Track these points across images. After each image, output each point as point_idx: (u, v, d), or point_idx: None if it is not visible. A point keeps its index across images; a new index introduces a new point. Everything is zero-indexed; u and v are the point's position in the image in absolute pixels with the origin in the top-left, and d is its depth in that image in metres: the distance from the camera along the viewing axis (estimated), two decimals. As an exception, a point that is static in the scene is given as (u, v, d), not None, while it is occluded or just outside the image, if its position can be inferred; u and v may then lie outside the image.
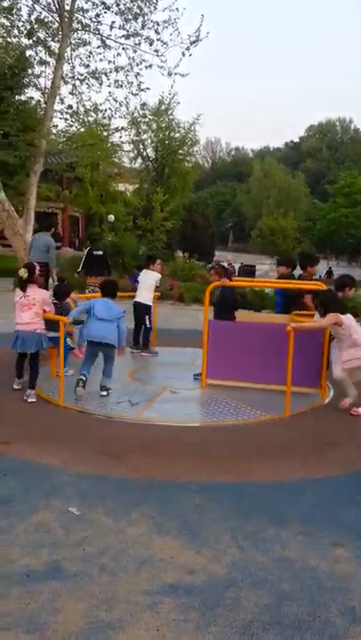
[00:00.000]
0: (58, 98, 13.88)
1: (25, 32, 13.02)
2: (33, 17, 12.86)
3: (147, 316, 7.79)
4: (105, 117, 14.85)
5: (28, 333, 5.45)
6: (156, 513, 3.21)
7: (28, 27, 12.95)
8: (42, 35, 13.23)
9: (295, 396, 5.60)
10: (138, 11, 13.21)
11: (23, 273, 5.57)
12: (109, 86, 14.02)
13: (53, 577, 2.54)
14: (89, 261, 11.90)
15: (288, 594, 2.48)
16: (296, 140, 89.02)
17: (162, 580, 2.56)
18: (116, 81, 13.95)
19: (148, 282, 7.91)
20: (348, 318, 5.42)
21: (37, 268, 5.74)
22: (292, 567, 2.71)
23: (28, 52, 13.96)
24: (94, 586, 2.49)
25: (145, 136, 28.61)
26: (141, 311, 7.79)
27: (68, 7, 13.19)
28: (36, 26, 12.90)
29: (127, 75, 13.93)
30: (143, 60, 13.82)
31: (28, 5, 12.71)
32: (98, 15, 13.49)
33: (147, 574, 2.60)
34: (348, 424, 5.13)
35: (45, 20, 13.18)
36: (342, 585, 2.57)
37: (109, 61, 14.17)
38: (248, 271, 31.28)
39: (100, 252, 12.14)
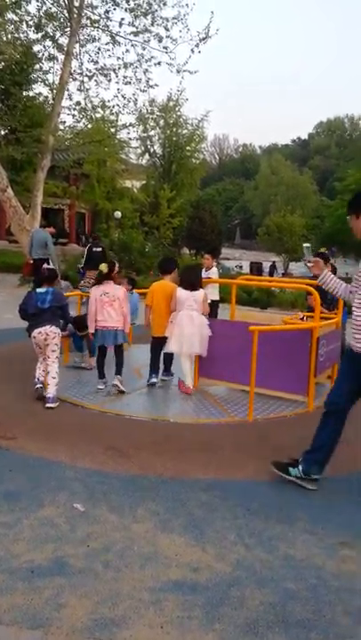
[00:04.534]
0: (66, 94, 13.90)
1: (33, 25, 13.01)
2: (42, 11, 12.86)
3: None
4: (112, 114, 14.87)
5: (110, 331, 5.64)
6: (162, 510, 3.20)
7: (37, 20, 12.94)
8: (50, 29, 13.23)
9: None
10: (147, 7, 13.19)
11: (104, 268, 5.71)
12: (118, 83, 14.03)
13: (58, 573, 2.54)
14: (90, 257, 12.36)
15: (293, 593, 2.47)
16: (304, 137, 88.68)
17: (166, 577, 2.55)
18: (124, 77, 13.96)
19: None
20: None
21: (116, 265, 5.94)
22: (298, 566, 2.69)
23: (37, 48, 14.00)
24: (99, 582, 2.49)
25: (152, 132, 28.64)
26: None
27: (77, 3, 13.18)
28: (44, 20, 12.90)
29: (136, 71, 13.93)
30: (152, 57, 13.81)
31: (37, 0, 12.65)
32: (107, 11, 13.49)
33: (151, 571, 2.59)
34: (353, 421, 5.09)
35: (54, 14, 13.18)
36: (348, 584, 2.55)
37: (118, 58, 14.18)
38: (256, 268, 31.28)
39: (100, 249, 12.66)
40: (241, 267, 34.82)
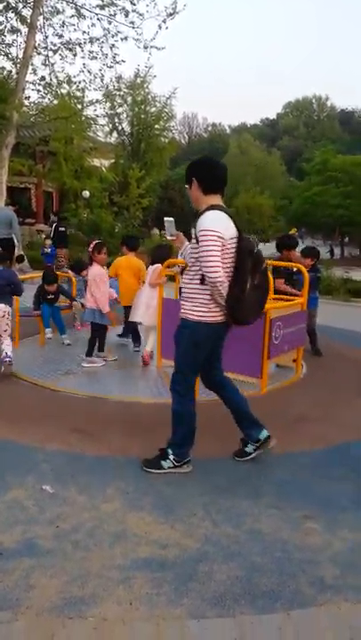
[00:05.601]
0: (30, 68, 13.50)
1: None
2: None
3: None
4: (79, 90, 14.54)
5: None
6: (131, 489, 3.23)
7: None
8: (12, 0, 12.77)
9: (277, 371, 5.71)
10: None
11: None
12: (83, 58, 13.70)
13: (27, 554, 2.54)
14: (57, 236, 13.04)
15: (259, 566, 2.54)
16: (273, 117, 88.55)
17: (135, 554, 2.59)
18: (90, 52, 13.63)
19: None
20: None
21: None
22: (264, 540, 2.76)
23: (-2, 19, 13.47)
24: (68, 562, 2.50)
25: (120, 110, 28.13)
26: None
27: (39, -28, 12.74)
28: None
29: (102, 46, 13.62)
30: (118, 32, 13.51)
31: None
32: (71, -18, 13.08)
33: (120, 549, 2.62)
34: (319, 400, 5.22)
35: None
36: (311, 556, 2.64)
37: (84, 32, 13.83)
38: None
39: (63, 229, 13.61)
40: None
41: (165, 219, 3.58)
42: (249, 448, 3.68)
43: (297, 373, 6.07)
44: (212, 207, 3.25)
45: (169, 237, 3.59)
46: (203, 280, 3.24)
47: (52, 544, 2.64)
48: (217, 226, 3.16)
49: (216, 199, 3.33)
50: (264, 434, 3.66)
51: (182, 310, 3.38)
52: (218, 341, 3.52)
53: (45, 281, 6.76)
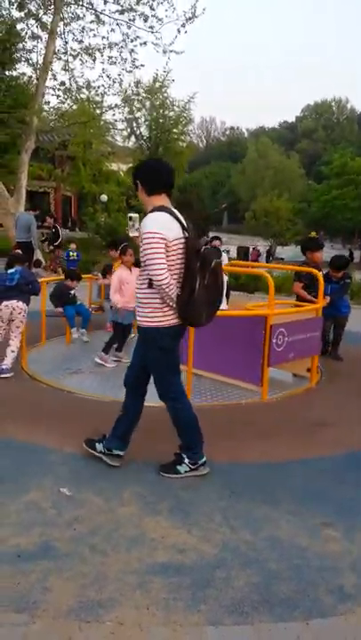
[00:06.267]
0: (50, 74, 13.63)
1: (16, 3, 12.71)
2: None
3: None
4: (98, 94, 14.64)
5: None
6: (148, 493, 3.22)
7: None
8: (33, 7, 12.94)
9: (288, 377, 5.62)
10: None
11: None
12: (103, 63, 13.79)
13: (44, 556, 2.55)
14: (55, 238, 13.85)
15: (277, 573, 2.51)
16: (292, 120, 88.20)
17: (152, 559, 2.57)
18: (109, 57, 13.72)
19: None
20: None
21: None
22: (282, 547, 2.73)
23: (20, 26, 13.65)
24: (85, 565, 2.50)
25: (138, 114, 28.18)
26: None
27: (60, -21, 12.88)
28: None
29: (121, 51, 13.69)
30: (138, 37, 13.56)
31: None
32: (91, -12, 13.19)
33: (137, 554, 2.61)
34: (337, 405, 5.16)
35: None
36: (331, 564, 2.60)
37: (103, 37, 13.89)
38: (244, 253, 31.35)
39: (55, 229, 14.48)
40: (228, 251, 34.85)
41: (130, 215, 3.57)
42: (99, 447, 3.62)
43: (312, 382, 5.85)
44: (156, 209, 3.21)
45: (132, 235, 3.53)
46: (151, 284, 3.20)
47: (69, 547, 2.64)
48: (159, 227, 3.12)
49: (161, 200, 3.29)
50: (120, 453, 3.57)
51: (138, 318, 3.34)
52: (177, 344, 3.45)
53: (69, 276, 7.11)
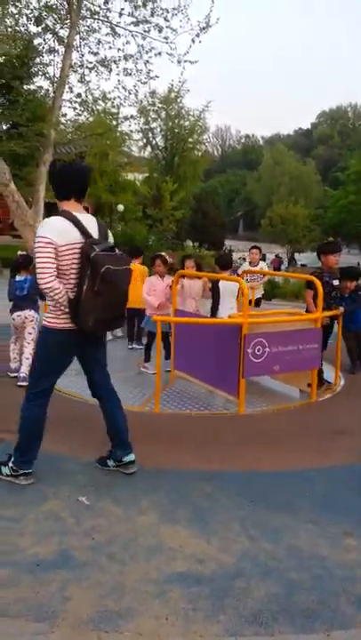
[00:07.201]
0: (67, 86, 13.80)
1: (33, 19, 12.93)
2: (42, 3, 12.76)
3: None
4: (114, 106, 14.78)
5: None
6: (166, 501, 3.21)
7: (37, 13, 12.85)
8: (50, 22, 13.15)
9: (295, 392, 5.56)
10: (147, -4, 13.06)
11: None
12: (118, 74, 13.91)
13: (63, 566, 2.55)
14: None
15: (298, 583, 2.48)
16: (307, 126, 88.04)
17: (171, 568, 2.56)
18: (125, 69, 13.84)
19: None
20: None
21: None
22: (302, 556, 2.70)
23: (37, 41, 13.87)
24: (103, 575, 2.50)
25: (154, 124, 28.50)
26: None
27: (76, -6, 13.07)
28: (44, 13, 12.80)
29: (136, 63, 13.81)
30: (152, 48, 13.68)
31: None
32: (107, 2, 13.35)
33: (156, 563, 2.60)
34: (357, 413, 5.10)
35: (54, 6, 13.08)
36: (352, 574, 2.56)
37: (118, 49, 14.02)
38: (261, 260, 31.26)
39: None
40: (245, 259, 34.82)
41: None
42: (111, 462, 3.60)
43: (311, 398, 5.45)
44: (56, 213, 3.21)
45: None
46: None
47: (88, 556, 2.64)
48: (47, 232, 3.11)
49: (69, 205, 3.29)
50: (129, 457, 3.54)
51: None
52: (74, 349, 3.39)
53: None
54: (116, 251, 3.28)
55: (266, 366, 5.15)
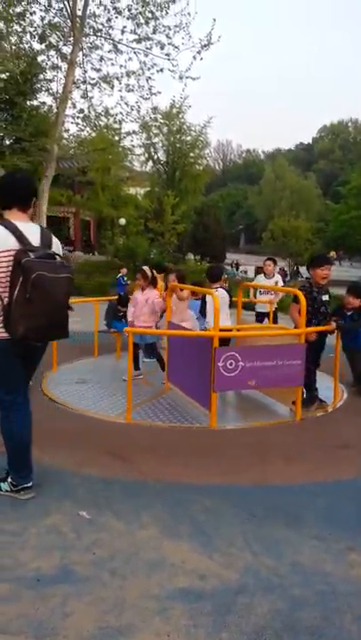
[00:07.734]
0: (69, 102, 13.98)
1: (37, 36, 13.14)
2: (45, 21, 12.97)
3: None
4: (116, 122, 14.95)
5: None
6: (167, 516, 3.19)
7: (40, 31, 13.06)
8: (54, 39, 13.35)
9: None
10: (149, 15, 13.28)
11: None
12: (120, 90, 14.11)
13: (64, 581, 2.52)
14: None
15: (301, 599, 2.44)
16: (308, 141, 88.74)
17: (173, 584, 2.53)
18: (127, 85, 14.03)
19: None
20: None
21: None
22: (306, 572, 2.66)
23: (40, 58, 14.10)
24: (105, 590, 2.47)
25: (156, 139, 28.70)
26: None
27: (79, 12, 13.29)
28: (48, 30, 13.02)
29: (138, 79, 14.00)
30: (154, 64, 13.89)
31: (41, 10, 12.77)
32: (109, 20, 13.57)
33: (157, 579, 2.57)
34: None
35: (57, 24, 13.30)
36: (357, 590, 2.52)
37: (121, 66, 14.23)
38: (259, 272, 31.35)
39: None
40: (246, 272, 34.84)
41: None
42: (4, 487, 3.42)
43: (296, 417, 5.25)
44: None
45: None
46: None
47: (89, 571, 2.61)
48: None
49: (11, 214, 3.24)
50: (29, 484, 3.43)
51: None
52: (18, 359, 3.26)
53: (120, 303, 7.85)
54: (57, 259, 3.18)
55: (239, 381, 5.03)
